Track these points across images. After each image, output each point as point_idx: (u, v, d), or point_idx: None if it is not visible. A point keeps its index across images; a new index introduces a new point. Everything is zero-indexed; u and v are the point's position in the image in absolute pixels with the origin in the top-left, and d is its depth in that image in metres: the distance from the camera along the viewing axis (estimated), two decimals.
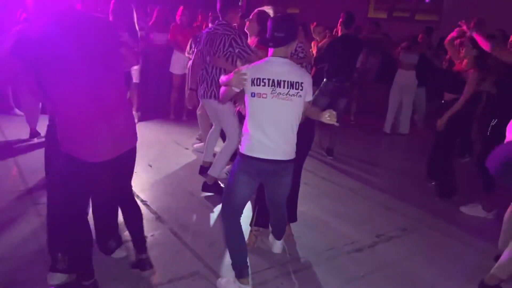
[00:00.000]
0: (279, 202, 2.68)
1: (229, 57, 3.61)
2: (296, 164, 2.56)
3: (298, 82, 2.34)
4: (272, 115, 2.34)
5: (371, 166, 5.06)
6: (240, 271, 2.48)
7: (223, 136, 4.22)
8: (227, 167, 4.15)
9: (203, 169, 4.15)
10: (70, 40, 1.96)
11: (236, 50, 3.58)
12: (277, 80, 2.31)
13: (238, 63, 3.68)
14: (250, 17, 3.88)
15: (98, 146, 2.09)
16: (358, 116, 7.12)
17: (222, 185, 3.88)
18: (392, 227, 3.50)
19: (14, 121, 5.48)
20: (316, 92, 5.04)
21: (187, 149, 5.10)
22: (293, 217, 3.17)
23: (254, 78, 2.32)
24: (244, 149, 2.42)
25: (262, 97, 2.31)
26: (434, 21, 8.96)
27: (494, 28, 5.79)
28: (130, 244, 2.82)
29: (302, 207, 3.32)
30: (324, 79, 5.00)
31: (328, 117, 2.38)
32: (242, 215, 2.55)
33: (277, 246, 3.00)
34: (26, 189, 3.67)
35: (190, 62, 4.11)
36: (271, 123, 2.34)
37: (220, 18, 3.73)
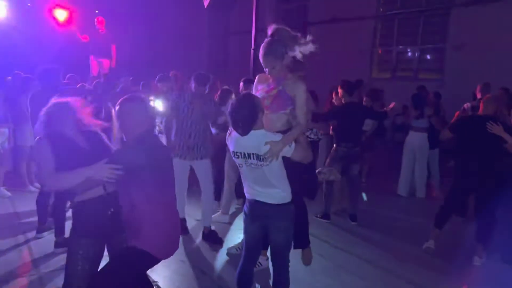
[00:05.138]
0: (279, 255, 2.80)
1: None
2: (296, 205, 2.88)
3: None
4: (252, 178, 2.75)
5: (390, 233, 4.86)
6: None
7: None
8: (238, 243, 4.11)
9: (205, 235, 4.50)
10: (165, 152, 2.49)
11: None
12: (247, 153, 2.65)
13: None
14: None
15: (173, 244, 2.50)
16: (369, 178, 7.04)
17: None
18: None
19: (27, 198, 5.49)
20: (328, 160, 5.05)
21: (198, 220, 5.04)
22: (304, 242, 3.35)
23: (232, 152, 2.74)
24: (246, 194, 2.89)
25: (240, 166, 2.76)
26: (437, 79, 9.16)
27: (497, 86, 5.87)
28: None
29: (318, 283, 3.20)
30: (334, 145, 5.03)
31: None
32: None
33: None
34: (36, 273, 3.61)
35: None
36: (253, 182, 2.75)
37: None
